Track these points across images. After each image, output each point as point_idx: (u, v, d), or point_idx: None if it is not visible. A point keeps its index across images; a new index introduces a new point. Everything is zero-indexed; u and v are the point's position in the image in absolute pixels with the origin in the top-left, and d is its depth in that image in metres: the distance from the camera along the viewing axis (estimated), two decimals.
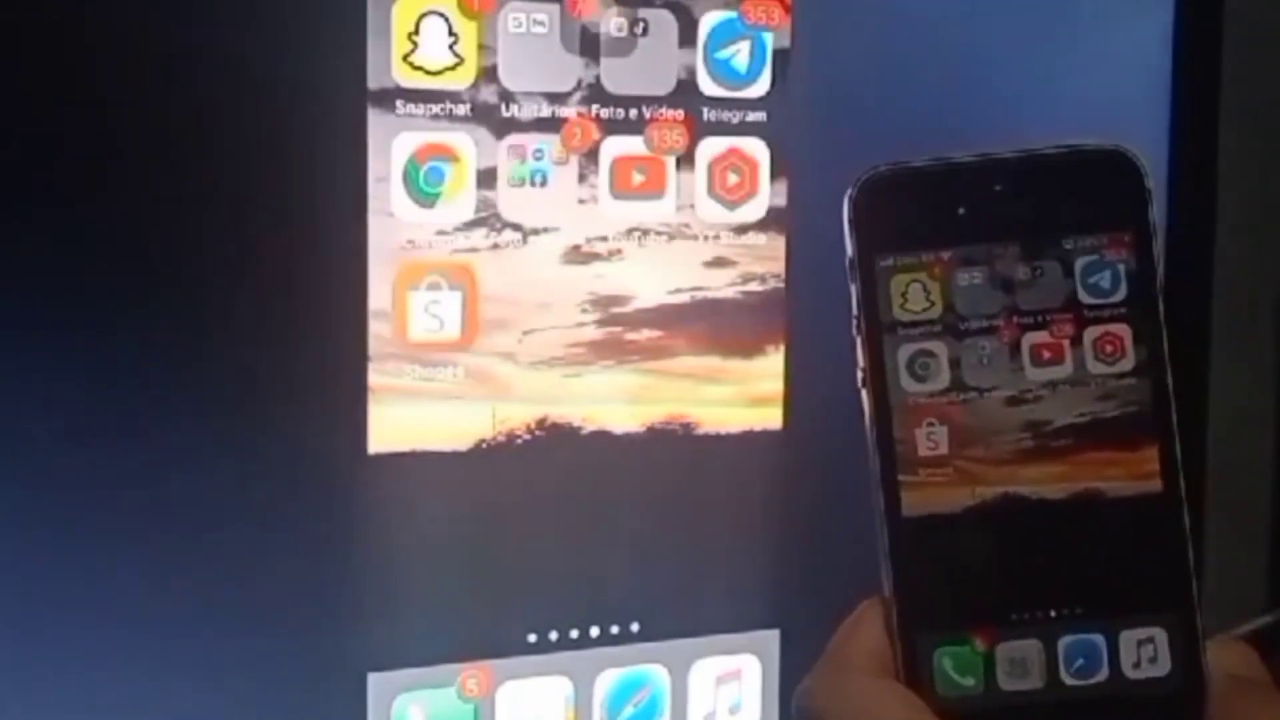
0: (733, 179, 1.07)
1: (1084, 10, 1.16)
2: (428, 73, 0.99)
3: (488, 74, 1.00)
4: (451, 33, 0.99)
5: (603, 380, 1.06)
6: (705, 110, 1.06)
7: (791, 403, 1.10)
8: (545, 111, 1.02)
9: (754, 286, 1.08)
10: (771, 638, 1.12)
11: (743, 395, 1.09)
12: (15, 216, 0.91)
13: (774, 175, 1.08)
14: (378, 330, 1.00)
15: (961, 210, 0.57)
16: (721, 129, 1.07)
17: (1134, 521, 0.57)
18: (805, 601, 1.10)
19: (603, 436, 1.06)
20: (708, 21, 1.05)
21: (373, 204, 0.99)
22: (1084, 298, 0.57)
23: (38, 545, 0.94)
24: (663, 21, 1.04)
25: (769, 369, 1.10)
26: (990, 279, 0.57)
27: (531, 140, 1.02)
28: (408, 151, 0.99)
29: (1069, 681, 0.56)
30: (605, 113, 1.04)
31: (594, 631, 1.08)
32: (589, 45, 1.03)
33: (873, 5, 1.11)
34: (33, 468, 0.93)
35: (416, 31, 0.99)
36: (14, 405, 0.92)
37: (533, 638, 1.06)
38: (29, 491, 0.93)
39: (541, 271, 1.03)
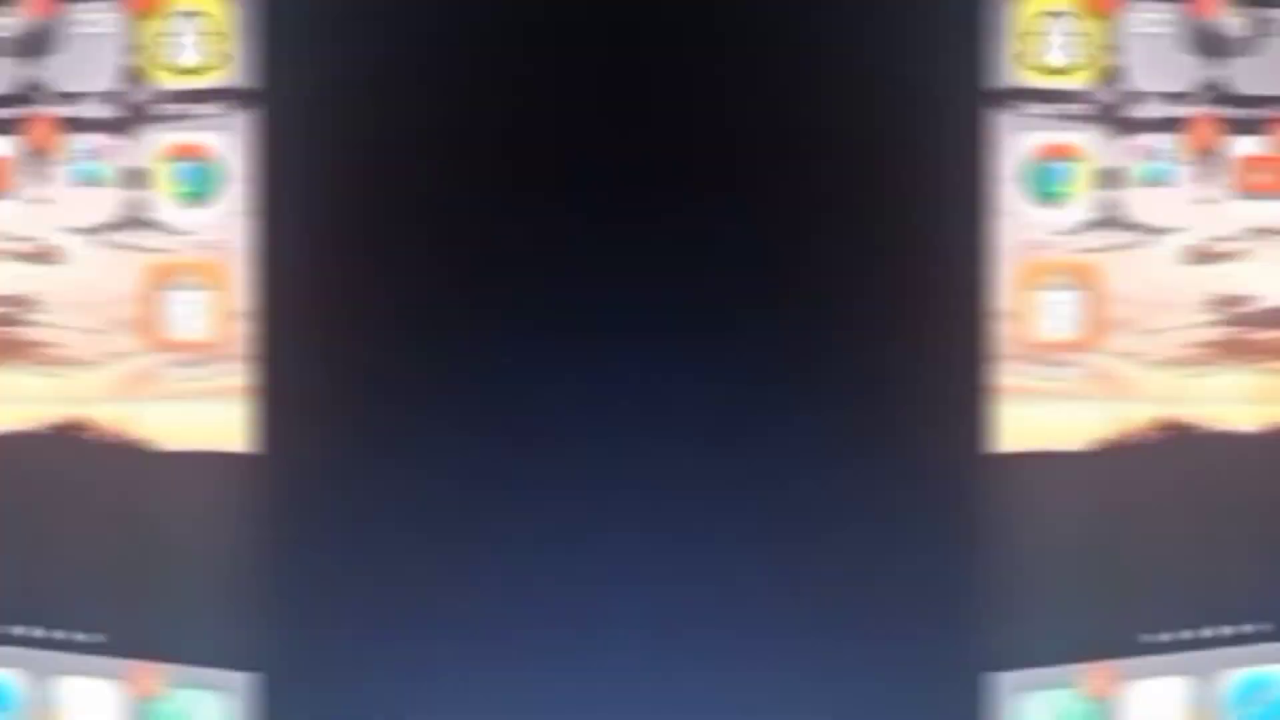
0: None
1: None
2: (1048, 72, 1.00)
3: (1109, 74, 1.01)
4: (1072, 33, 1.00)
5: (1225, 381, 1.04)
6: None
7: None
8: (1167, 111, 1.02)
9: None
10: None
11: None
12: (639, 219, 0.95)
13: None
14: (999, 330, 1.01)
15: None
16: None
17: None
18: None
19: (1224, 437, 1.05)
20: None
21: (993, 204, 1.00)
22: None
23: (664, 548, 0.98)
24: None
25: None
26: None
27: (1153, 140, 1.02)
28: (1028, 151, 1.00)
29: None
30: (1228, 112, 1.03)
31: (1218, 632, 1.06)
32: (1211, 45, 1.02)
33: None
34: (660, 469, 0.97)
35: (1036, 31, 1.00)
36: (648, 407, 0.97)
37: (1156, 637, 1.05)
38: (659, 492, 0.97)
39: (1163, 271, 1.03)
